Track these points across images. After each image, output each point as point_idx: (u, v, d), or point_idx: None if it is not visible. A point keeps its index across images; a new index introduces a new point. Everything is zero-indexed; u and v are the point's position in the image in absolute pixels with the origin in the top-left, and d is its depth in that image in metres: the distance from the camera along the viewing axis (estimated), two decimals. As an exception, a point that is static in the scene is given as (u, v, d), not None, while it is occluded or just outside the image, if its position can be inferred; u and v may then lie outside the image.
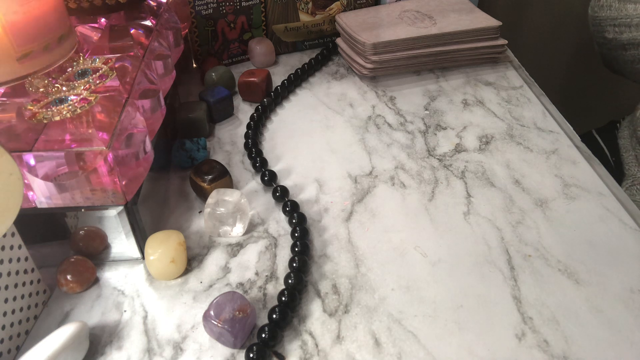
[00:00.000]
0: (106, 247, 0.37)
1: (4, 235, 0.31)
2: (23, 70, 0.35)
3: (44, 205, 0.34)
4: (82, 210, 0.34)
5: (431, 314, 0.33)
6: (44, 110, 0.34)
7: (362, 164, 0.46)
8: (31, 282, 0.33)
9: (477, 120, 0.52)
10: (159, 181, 0.44)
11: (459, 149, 0.48)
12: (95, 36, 0.43)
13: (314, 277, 0.36)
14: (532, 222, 0.40)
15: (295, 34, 0.64)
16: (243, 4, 0.59)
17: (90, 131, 0.32)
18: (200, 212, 0.42)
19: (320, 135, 0.51)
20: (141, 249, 0.37)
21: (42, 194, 0.33)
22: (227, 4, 0.58)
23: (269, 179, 0.44)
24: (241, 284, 0.36)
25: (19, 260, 0.32)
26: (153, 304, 0.35)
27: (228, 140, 0.51)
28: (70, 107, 0.34)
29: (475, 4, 0.63)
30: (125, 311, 0.34)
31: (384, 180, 0.44)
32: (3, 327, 0.31)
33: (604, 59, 0.65)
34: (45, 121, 0.33)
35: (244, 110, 0.55)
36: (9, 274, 0.31)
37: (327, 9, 0.63)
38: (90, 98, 0.35)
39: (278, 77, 0.60)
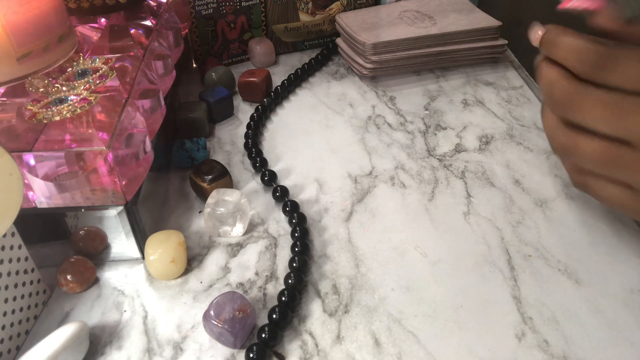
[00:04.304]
0: (106, 247, 0.37)
1: (4, 235, 0.31)
2: (23, 70, 0.35)
3: (44, 205, 0.34)
4: (82, 210, 0.34)
5: (431, 314, 0.33)
6: (44, 110, 0.34)
7: (362, 164, 0.46)
8: (31, 282, 0.33)
9: (477, 120, 0.52)
10: (159, 181, 0.44)
11: (459, 149, 0.48)
12: (95, 36, 0.43)
13: (314, 277, 0.36)
14: (532, 222, 0.40)
15: (295, 34, 0.64)
16: (243, 4, 0.59)
17: (90, 131, 0.32)
18: (200, 212, 0.42)
19: (320, 135, 0.51)
20: (141, 249, 0.37)
21: (42, 194, 0.33)
22: (227, 4, 0.58)
23: (269, 179, 0.44)
24: (241, 284, 0.36)
25: (19, 260, 0.32)
26: (153, 304, 0.35)
27: (228, 140, 0.51)
28: (70, 107, 0.34)
29: (475, 4, 0.63)
30: (125, 311, 0.34)
31: (384, 180, 0.44)
32: (3, 327, 0.31)
33: None
34: (45, 121, 0.33)
35: (244, 110, 0.55)
36: (9, 274, 0.31)
37: (327, 9, 0.63)
38: (90, 98, 0.35)
39: (278, 77, 0.60)
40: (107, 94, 0.35)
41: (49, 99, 0.35)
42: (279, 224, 0.41)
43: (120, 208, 0.35)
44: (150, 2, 0.49)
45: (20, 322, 0.32)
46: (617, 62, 0.28)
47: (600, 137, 0.30)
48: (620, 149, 0.29)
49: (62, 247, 0.37)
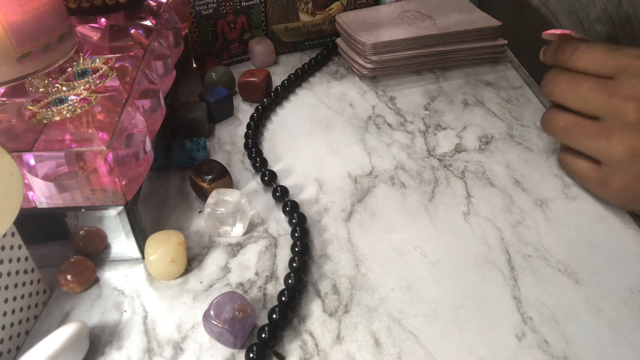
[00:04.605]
0: (106, 247, 0.37)
1: (4, 235, 0.31)
2: (23, 70, 0.35)
3: (44, 205, 0.34)
4: (82, 210, 0.34)
5: (431, 314, 0.33)
6: (44, 110, 0.34)
7: (362, 164, 0.46)
8: (31, 282, 0.33)
9: (477, 120, 0.52)
10: (159, 181, 0.44)
11: (459, 149, 0.48)
12: (95, 36, 0.43)
13: (314, 277, 0.36)
14: (532, 222, 0.40)
15: (295, 34, 0.64)
16: (243, 4, 0.59)
17: (90, 131, 0.32)
18: (200, 212, 0.42)
19: (320, 135, 0.51)
20: (141, 249, 0.37)
21: (42, 194, 0.33)
22: (227, 4, 0.58)
23: (269, 179, 0.44)
24: (241, 284, 0.36)
25: (19, 260, 0.32)
26: (153, 304, 0.35)
27: (228, 140, 0.51)
28: (70, 107, 0.34)
29: (475, 4, 0.63)
30: (125, 311, 0.34)
31: (384, 180, 0.44)
32: (3, 327, 0.31)
33: None
34: (45, 121, 0.33)
35: (244, 110, 0.55)
36: (9, 274, 0.31)
37: (327, 9, 0.63)
38: (90, 98, 0.35)
39: (278, 77, 0.60)
40: (107, 94, 0.35)
41: (49, 99, 0.35)
42: (279, 224, 0.41)
43: (120, 208, 0.35)
44: (150, 2, 0.49)
45: (20, 322, 0.32)
46: (580, 50, 0.38)
47: (571, 112, 0.39)
48: (586, 120, 0.38)
49: (62, 247, 0.37)
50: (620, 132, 0.35)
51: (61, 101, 0.35)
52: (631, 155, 0.35)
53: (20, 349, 0.32)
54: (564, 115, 0.39)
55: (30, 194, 0.33)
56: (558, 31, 0.41)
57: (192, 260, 0.38)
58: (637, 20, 0.44)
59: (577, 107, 0.38)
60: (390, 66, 0.57)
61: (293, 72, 0.58)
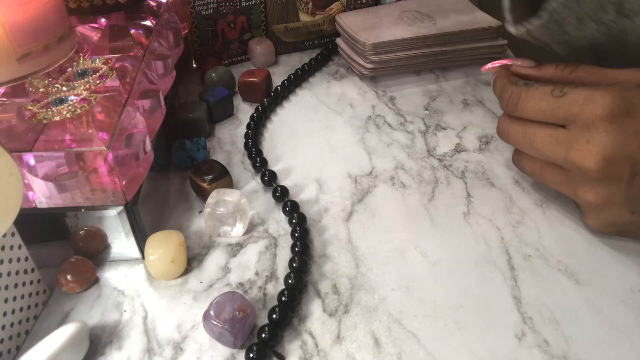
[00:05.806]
0: (106, 247, 0.37)
1: (4, 235, 0.31)
2: (23, 70, 0.35)
3: (44, 205, 0.34)
4: (82, 210, 0.34)
5: (431, 314, 0.33)
6: (44, 110, 0.34)
7: (362, 164, 0.46)
8: (31, 282, 0.33)
9: (477, 120, 0.52)
10: (159, 181, 0.44)
11: (459, 149, 0.48)
12: (95, 36, 0.43)
13: (314, 277, 0.36)
14: (532, 222, 0.40)
15: (295, 34, 0.64)
16: (243, 4, 0.59)
17: (90, 131, 0.32)
18: (200, 212, 0.42)
19: (320, 135, 0.51)
20: (141, 249, 0.37)
21: (42, 194, 0.33)
22: (227, 4, 0.58)
23: (269, 179, 0.44)
24: (241, 284, 0.36)
25: (19, 260, 0.32)
26: (153, 304, 0.35)
27: (228, 140, 0.51)
28: (70, 107, 0.34)
29: (475, 4, 0.63)
30: (125, 311, 0.34)
31: (384, 180, 0.44)
32: (3, 327, 0.31)
33: None
34: (45, 121, 0.33)
35: (244, 110, 0.55)
36: (9, 274, 0.31)
37: (327, 9, 0.63)
38: (90, 98, 0.35)
39: (278, 77, 0.60)
40: (107, 94, 0.35)
41: (49, 99, 0.35)
42: (279, 224, 0.41)
43: (120, 208, 0.35)
44: (150, 2, 0.49)
45: (20, 322, 0.32)
46: (523, 100, 0.36)
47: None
48: (551, 167, 0.37)
49: (62, 247, 0.37)
50: (585, 184, 0.34)
51: (61, 101, 0.35)
52: (599, 206, 0.35)
53: (20, 349, 0.32)
54: (528, 160, 0.39)
55: (30, 194, 0.33)
56: (496, 63, 0.40)
57: (192, 260, 0.38)
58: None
59: (538, 157, 0.37)
60: (390, 66, 0.57)
61: (293, 72, 0.58)
